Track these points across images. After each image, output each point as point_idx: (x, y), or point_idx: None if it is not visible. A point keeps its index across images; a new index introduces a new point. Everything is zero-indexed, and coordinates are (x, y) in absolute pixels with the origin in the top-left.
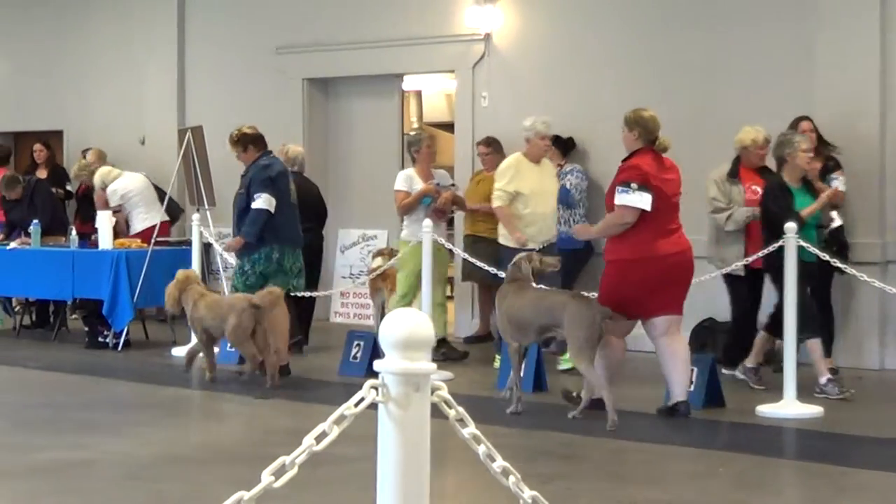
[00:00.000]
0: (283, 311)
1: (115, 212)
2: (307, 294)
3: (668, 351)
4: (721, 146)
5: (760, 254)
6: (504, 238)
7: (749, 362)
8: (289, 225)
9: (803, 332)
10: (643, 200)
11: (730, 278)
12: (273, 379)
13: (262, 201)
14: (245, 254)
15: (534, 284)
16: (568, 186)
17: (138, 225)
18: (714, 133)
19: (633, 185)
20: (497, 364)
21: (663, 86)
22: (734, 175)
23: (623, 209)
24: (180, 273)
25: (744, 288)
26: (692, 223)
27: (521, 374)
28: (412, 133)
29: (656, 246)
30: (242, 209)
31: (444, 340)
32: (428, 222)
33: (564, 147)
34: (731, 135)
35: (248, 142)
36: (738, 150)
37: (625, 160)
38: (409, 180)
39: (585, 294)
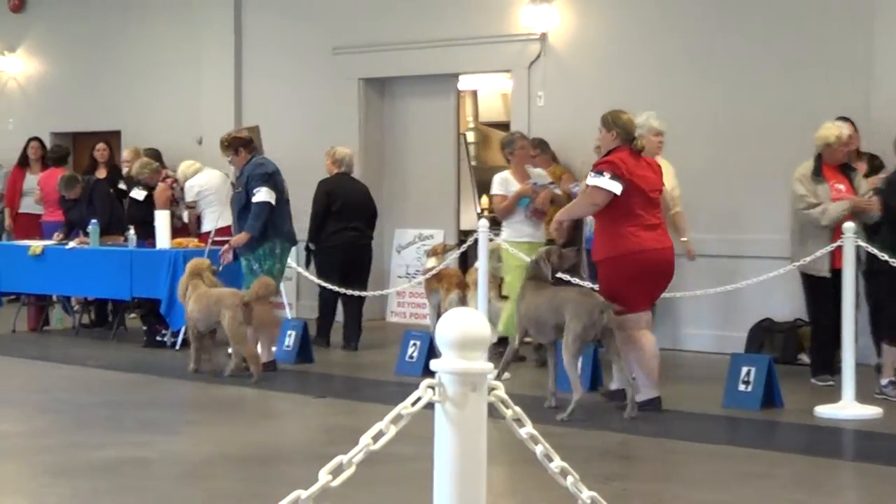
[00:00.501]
0: (269, 305)
1: (189, 207)
2: (357, 294)
3: (638, 345)
4: (779, 144)
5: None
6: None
7: (884, 378)
8: (286, 221)
9: (892, 332)
10: (614, 186)
11: (811, 279)
12: (257, 373)
13: (263, 194)
14: (250, 252)
15: (550, 282)
16: None
17: (208, 224)
18: (769, 130)
19: (606, 174)
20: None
21: (721, 85)
22: (818, 173)
23: (594, 189)
24: (190, 263)
25: (827, 289)
26: (744, 221)
27: (556, 373)
28: (506, 134)
29: (639, 240)
30: (242, 208)
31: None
32: (484, 223)
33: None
34: (786, 133)
35: (239, 145)
36: (821, 147)
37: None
38: (505, 183)
39: (592, 290)
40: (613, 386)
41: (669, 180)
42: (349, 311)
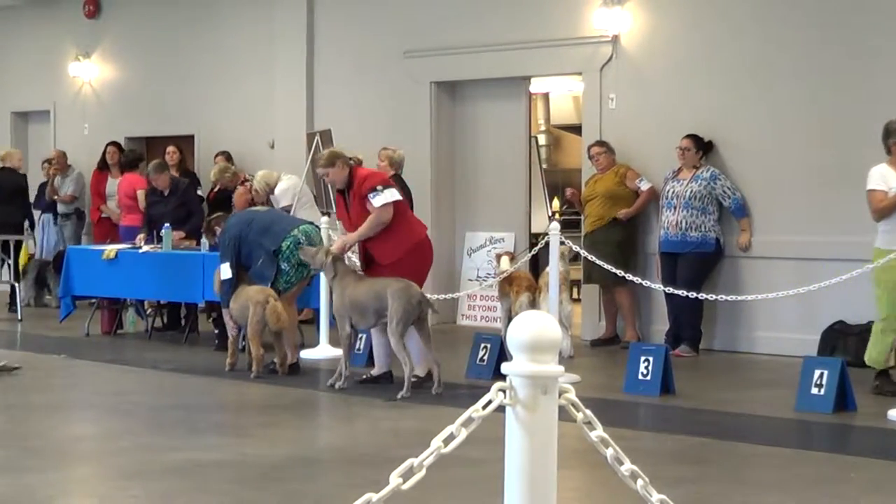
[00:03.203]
0: (292, 308)
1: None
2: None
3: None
4: (854, 146)
5: None
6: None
7: None
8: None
9: None
10: (393, 194)
11: None
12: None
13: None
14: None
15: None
16: (723, 191)
17: None
18: (844, 132)
19: (379, 188)
20: None
21: (796, 86)
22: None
23: (382, 208)
24: None
25: None
26: (819, 224)
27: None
28: (890, 121)
29: (419, 230)
30: None
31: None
32: (555, 225)
33: (703, 149)
34: (862, 135)
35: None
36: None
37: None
38: (884, 178)
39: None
40: (376, 372)
41: None
42: None
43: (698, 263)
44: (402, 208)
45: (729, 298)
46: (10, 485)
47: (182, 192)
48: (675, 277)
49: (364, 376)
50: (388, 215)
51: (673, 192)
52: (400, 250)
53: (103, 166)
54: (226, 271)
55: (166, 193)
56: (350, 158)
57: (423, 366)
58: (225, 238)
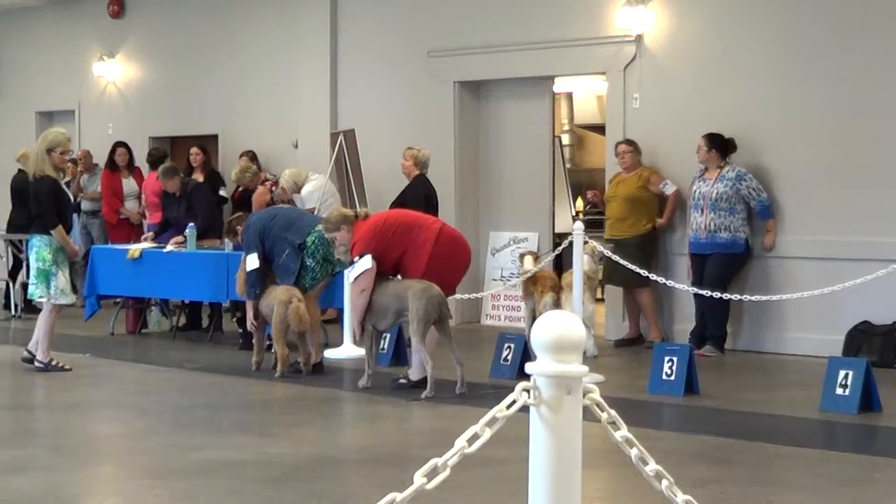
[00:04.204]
0: (315, 307)
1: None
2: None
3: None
4: (883, 145)
5: None
6: None
7: None
8: None
9: None
10: (364, 264)
11: None
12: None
13: None
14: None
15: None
16: (749, 192)
17: None
18: (871, 131)
19: (355, 259)
20: None
21: (820, 85)
22: None
23: (355, 283)
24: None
25: None
26: (847, 224)
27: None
28: None
29: (427, 236)
30: None
31: None
32: (579, 225)
33: (725, 148)
34: (891, 134)
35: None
36: None
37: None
38: None
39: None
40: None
41: None
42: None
43: (726, 263)
44: (404, 225)
45: (753, 298)
46: (35, 483)
47: (189, 194)
48: (702, 278)
49: (401, 379)
50: (364, 284)
51: (699, 193)
52: (420, 265)
53: (113, 167)
54: (252, 261)
55: (178, 195)
56: (355, 214)
57: (419, 372)
58: (249, 232)
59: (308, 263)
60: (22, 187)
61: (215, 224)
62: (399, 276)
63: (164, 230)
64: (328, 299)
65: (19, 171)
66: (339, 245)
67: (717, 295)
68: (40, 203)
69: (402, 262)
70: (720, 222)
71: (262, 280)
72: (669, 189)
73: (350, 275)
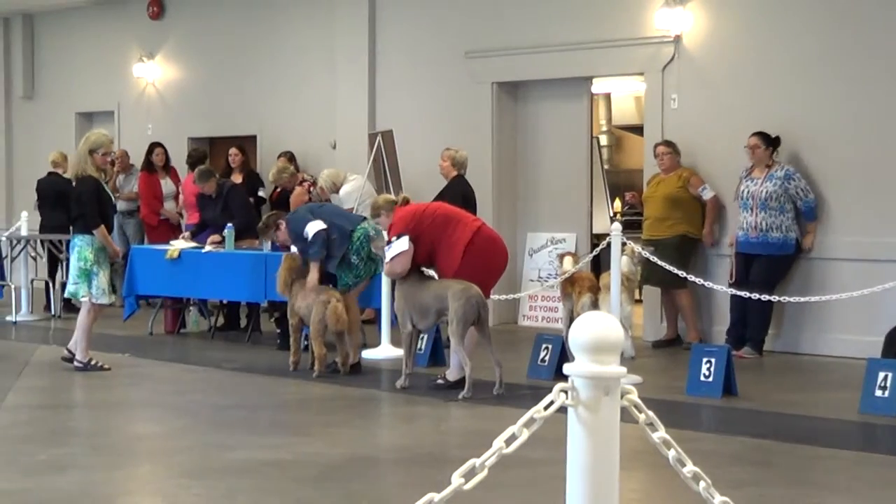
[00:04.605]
0: (355, 306)
1: None
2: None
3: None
4: None
5: None
6: None
7: None
8: None
9: None
10: (402, 245)
11: None
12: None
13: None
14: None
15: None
16: (797, 192)
17: None
18: None
19: (393, 239)
20: None
21: (860, 85)
22: None
23: (391, 262)
24: (287, 257)
25: None
26: (887, 224)
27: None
28: None
29: (462, 235)
30: None
31: None
32: (617, 226)
33: (775, 146)
34: None
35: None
36: None
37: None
38: None
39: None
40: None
41: None
42: None
43: (777, 265)
44: (443, 216)
45: (792, 300)
46: (74, 482)
47: (225, 195)
48: (747, 278)
49: (439, 380)
50: (399, 267)
51: (748, 193)
52: (454, 262)
53: (150, 168)
54: (317, 224)
55: (214, 197)
56: (394, 201)
57: (457, 372)
58: (297, 215)
59: (353, 260)
60: (58, 189)
61: (252, 225)
62: (433, 272)
63: (202, 231)
64: (366, 299)
65: (49, 173)
66: (382, 226)
67: (762, 297)
68: (83, 203)
69: (437, 256)
70: (771, 222)
71: (298, 277)
72: (708, 194)
73: (387, 254)
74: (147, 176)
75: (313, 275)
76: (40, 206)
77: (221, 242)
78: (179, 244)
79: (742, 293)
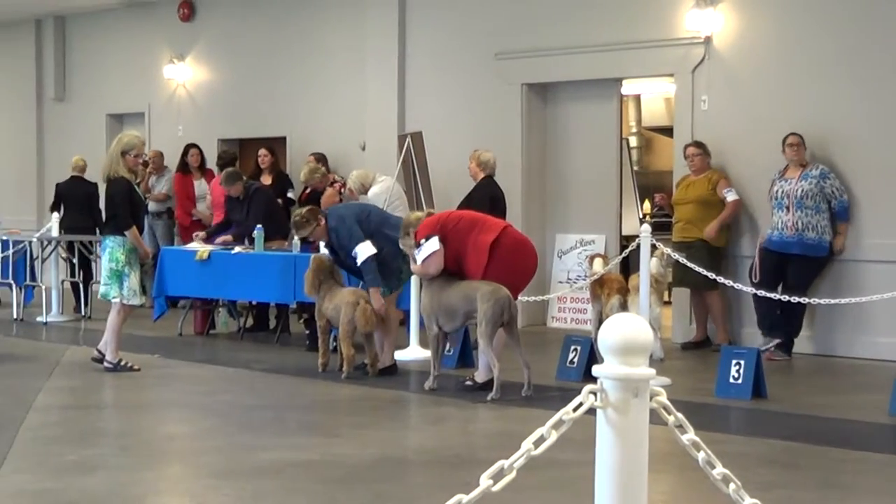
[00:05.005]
0: (394, 308)
1: None
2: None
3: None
4: None
5: None
6: None
7: None
8: None
9: None
10: (432, 246)
11: None
12: (373, 369)
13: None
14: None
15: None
16: (832, 191)
17: None
18: None
19: (422, 241)
20: None
21: (889, 87)
22: None
23: (423, 264)
24: (315, 259)
25: None
26: None
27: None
28: None
29: (486, 238)
30: None
31: None
32: (646, 227)
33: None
34: None
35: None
36: None
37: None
38: None
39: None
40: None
41: None
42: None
43: (812, 267)
44: (468, 221)
45: (822, 302)
46: (103, 482)
47: (250, 197)
48: (778, 278)
49: (468, 381)
50: (433, 268)
51: (783, 192)
52: (480, 266)
53: (185, 169)
54: (367, 248)
55: (241, 199)
56: (420, 218)
57: (486, 374)
58: (345, 223)
59: (400, 266)
60: (85, 191)
61: (277, 226)
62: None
63: (220, 231)
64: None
65: (72, 177)
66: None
67: (792, 299)
68: (115, 204)
69: (464, 260)
70: (808, 221)
71: (326, 285)
72: (731, 196)
73: (418, 256)
74: (181, 177)
75: (377, 300)
76: (65, 208)
77: (233, 243)
78: (194, 245)
79: (771, 294)
